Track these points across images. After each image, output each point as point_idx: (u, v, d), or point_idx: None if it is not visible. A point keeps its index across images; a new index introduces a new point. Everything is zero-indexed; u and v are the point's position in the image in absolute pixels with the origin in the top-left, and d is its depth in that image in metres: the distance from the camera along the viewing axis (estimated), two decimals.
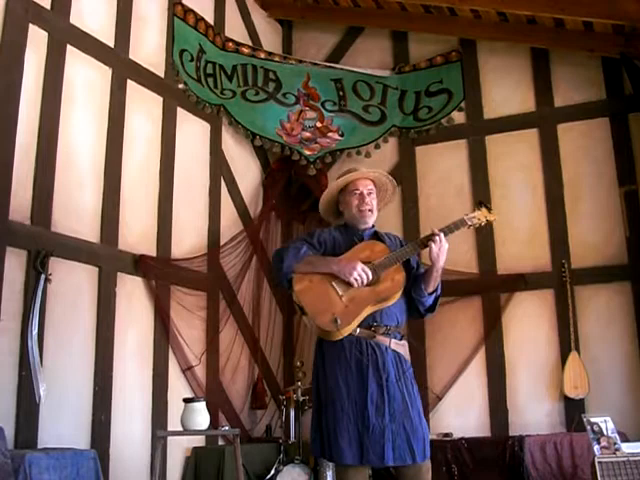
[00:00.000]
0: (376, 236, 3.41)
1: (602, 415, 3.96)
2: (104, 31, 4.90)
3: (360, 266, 3.15)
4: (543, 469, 4.98)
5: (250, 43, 6.53)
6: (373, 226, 3.45)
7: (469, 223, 3.28)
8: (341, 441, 3.07)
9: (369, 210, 3.37)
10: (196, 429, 3.90)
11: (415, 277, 3.34)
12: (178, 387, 5.08)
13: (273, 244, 6.20)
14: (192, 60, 5.74)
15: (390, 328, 3.21)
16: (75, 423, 4.27)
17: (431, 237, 3.21)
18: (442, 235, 3.20)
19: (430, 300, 3.34)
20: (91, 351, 4.46)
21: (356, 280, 3.13)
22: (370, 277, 3.15)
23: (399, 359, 3.20)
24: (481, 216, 3.31)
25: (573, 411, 5.40)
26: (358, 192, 3.37)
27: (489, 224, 3.40)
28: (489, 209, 3.34)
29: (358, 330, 3.16)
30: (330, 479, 4.89)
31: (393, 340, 3.21)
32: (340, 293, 3.16)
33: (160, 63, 5.44)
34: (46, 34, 4.41)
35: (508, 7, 5.75)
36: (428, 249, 3.22)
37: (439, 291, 3.36)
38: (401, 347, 3.25)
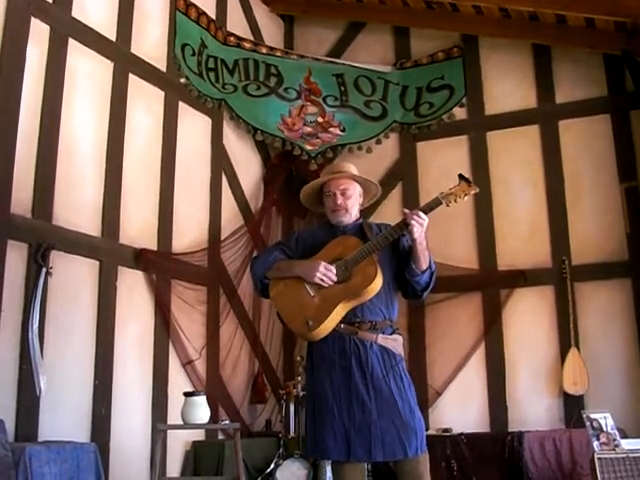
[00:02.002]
0: (361, 229, 3.31)
1: (602, 411, 3.97)
2: (106, 25, 4.89)
3: (322, 265, 3.09)
4: (542, 465, 4.99)
5: (252, 38, 6.52)
6: (360, 219, 3.38)
7: (443, 202, 3.11)
8: (326, 437, 3.07)
9: (342, 210, 3.29)
10: (196, 423, 3.91)
11: (407, 258, 3.21)
12: (178, 381, 5.08)
13: (274, 239, 6.19)
14: (194, 54, 5.74)
15: (376, 323, 3.15)
16: (75, 416, 4.27)
17: (408, 218, 3.05)
18: (420, 213, 3.06)
19: (425, 278, 3.20)
20: (92, 345, 4.46)
21: (321, 280, 3.08)
22: (334, 274, 3.08)
23: (387, 354, 3.14)
24: (459, 191, 3.13)
25: (572, 407, 5.40)
26: (331, 194, 3.32)
27: (467, 196, 3.19)
28: (469, 182, 3.16)
29: (342, 326, 3.12)
30: (329, 474, 4.89)
31: (380, 335, 3.14)
32: (312, 294, 3.12)
33: (162, 57, 5.43)
34: (48, 27, 4.39)
35: (510, 3, 5.76)
36: (408, 230, 3.07)
37: (433, 267, 3.24)
38: (390, 341, 3.18)
